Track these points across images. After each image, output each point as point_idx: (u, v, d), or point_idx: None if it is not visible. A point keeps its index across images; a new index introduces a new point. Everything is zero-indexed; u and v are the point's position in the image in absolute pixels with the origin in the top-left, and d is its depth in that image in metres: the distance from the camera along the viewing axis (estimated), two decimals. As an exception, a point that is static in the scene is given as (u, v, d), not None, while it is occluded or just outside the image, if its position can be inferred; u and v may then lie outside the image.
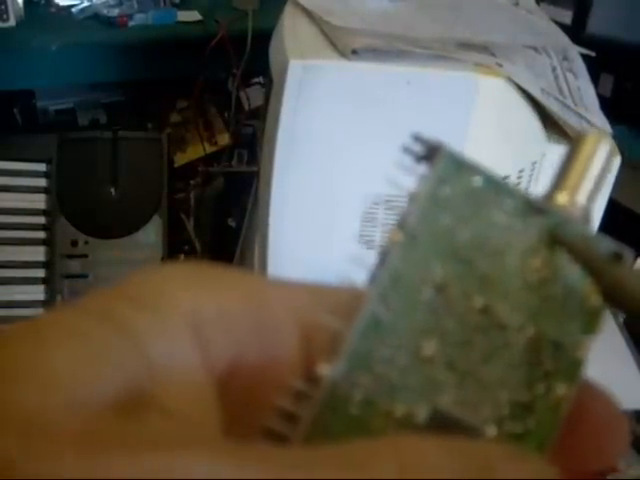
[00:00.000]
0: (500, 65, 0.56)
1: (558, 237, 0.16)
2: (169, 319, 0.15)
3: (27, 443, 0.12)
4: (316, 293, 0.17)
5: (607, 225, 0.67)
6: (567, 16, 0.93)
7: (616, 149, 0.63)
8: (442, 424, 0.15)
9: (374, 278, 0.16)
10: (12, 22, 0.96)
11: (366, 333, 0.15)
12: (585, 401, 0.16)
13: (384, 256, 0.16)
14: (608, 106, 0.64)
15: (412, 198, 0.16)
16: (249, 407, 0.16)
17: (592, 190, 0.17)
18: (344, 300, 0.16)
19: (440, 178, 0.16)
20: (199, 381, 0.15)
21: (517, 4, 0.71)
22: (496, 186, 0.16)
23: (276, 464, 0.13)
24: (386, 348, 0.15)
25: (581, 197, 0.16)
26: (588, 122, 0.60)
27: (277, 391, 0.14)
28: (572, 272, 0.16)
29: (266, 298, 0.17)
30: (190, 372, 0.15)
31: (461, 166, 0.16)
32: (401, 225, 0.16)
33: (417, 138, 0.17)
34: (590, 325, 0.16)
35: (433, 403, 0.15)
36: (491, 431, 0.15)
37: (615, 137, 0.65)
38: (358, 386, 0.15)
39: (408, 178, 0.16)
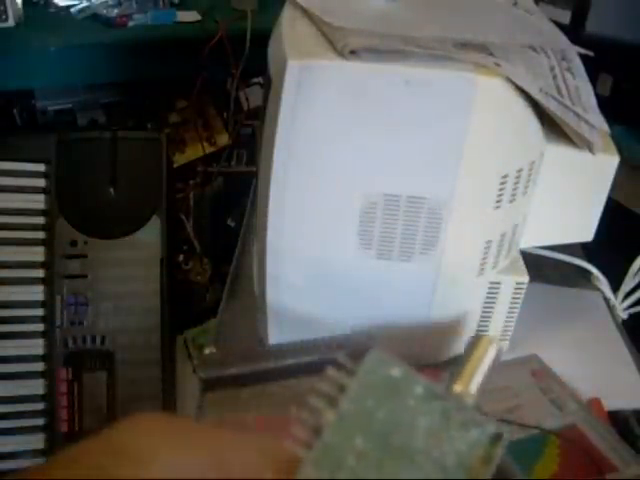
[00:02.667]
0: (498, 65, 0.56)
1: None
2: (148, 471, 0.20)
3: None
4: (265, 452, 0.21)
5: (607, 225, 0.67)
6: (566, 16, 0.93)
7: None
8: None
9: (310, 446, 0.21)
10: (11, 22, 0.96)
11: None
12: None
13: (319, 429, 0.21)
14: (607, 106, 0.64)
15: (344, 386, 0.21)
16: None
17: (482, 382, 0.22)
18: (287, 459, 0.20)
19: (368, 370, 0.22)
20: None
21: (516, 4, 0.71)
22: (409, 376, 0.22)
23: None
24: None
25: (472, 387, 0.22)
26: (586, 122, 0.60)
27: None
28: (462, 447, 0.21)
29: (225, 458, 0.21)
30: None
31: (384, 360, 0.22)
32: (334, 405, 0.21)
33: (348, 339, 0.23)
34: None
35: None
36: None
37: (614, 137, 0.65)
38: None
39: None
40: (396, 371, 0.22)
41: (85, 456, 0.19)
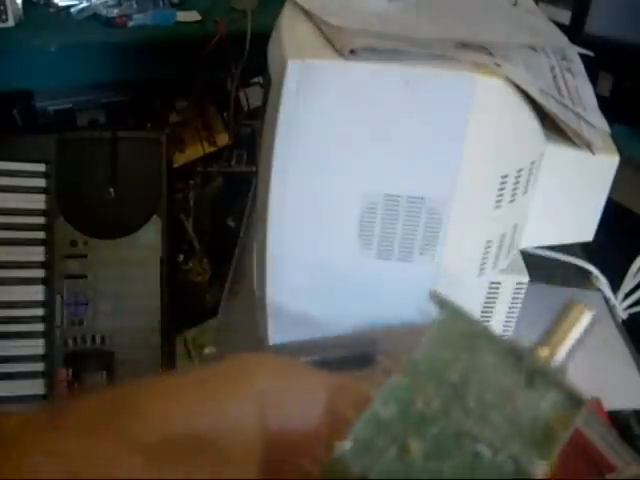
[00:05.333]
0: (498, 65, 0.56)
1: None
2: (244, 393, 0.24)
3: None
4: (345, 389, 0.25)
5: (607, 225, 0.67)
6: (566, 16, 0.93)
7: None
8: None
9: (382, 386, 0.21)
10: (11, 22, 0.96)
11: (368, 425, 0.21)
12: None
13: (390, 374, 0.22)
14: (607, 106, 0.64)
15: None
16: (285, 462, 0.23)
17: (571, 349, 0.22)
18: (363, 397, 0.22)
19: (443, 323, 0.22)
20: (251, 436, 0.23)
21: (516, 4, 0.71)
22: (488, 333, 0.21)
23: None
24: (382, 439, 0.20)
25: (561, 353, 0.21)
26: (587, 122, 0.61)
27: (305, 454, 0.21)
28: (544, 405, 0.20)
29: (313, 392, 0.25)
30: (245, 429, 0.23)
31: (461, 315, 0.22)
32: (406, 355, 0.22)
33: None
34: (547, 451, 0.20)
35: None
36: None
37: (614, 137, 0.65)
38: (357, 465, 0.20)
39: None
40: (476, 324, 0.22)
41: (202, 378, 0.25)
